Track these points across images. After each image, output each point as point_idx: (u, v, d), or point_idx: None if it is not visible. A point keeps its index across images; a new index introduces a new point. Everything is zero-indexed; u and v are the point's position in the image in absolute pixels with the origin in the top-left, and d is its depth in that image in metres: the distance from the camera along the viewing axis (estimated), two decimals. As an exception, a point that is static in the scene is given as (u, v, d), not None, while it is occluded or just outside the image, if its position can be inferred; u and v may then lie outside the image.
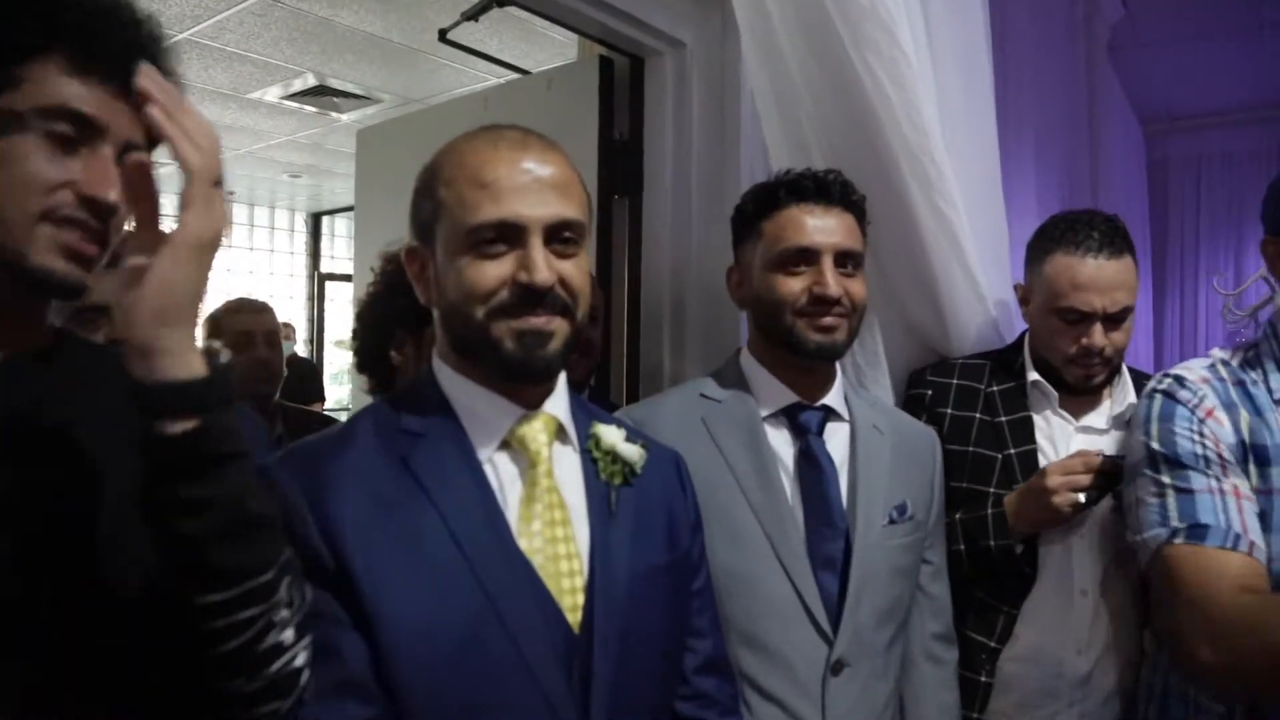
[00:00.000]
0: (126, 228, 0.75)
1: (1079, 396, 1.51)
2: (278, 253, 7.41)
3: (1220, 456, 1.15)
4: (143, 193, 0.71)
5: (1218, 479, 1.14)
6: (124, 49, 0.72)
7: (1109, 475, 1.36)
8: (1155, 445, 1.19)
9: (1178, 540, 1.11)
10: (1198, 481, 1.14)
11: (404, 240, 1.13)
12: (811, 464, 1.24)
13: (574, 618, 0.87)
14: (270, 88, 4.05)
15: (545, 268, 0.85)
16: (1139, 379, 1.54)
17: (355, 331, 1.55)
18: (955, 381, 1.57)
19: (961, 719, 1.41)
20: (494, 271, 0.86)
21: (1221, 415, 1.17)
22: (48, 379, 0.77)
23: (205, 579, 0.67)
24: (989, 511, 1.44)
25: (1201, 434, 1.17)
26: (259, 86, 4.04)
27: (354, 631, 0.81)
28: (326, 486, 0.84)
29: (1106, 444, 1.48)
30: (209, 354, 0.69)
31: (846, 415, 1.29)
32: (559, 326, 0.89)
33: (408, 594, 0.82)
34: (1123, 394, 1.52)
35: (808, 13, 1.42)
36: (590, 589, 0.88)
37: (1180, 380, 1.21)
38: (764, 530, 1.20)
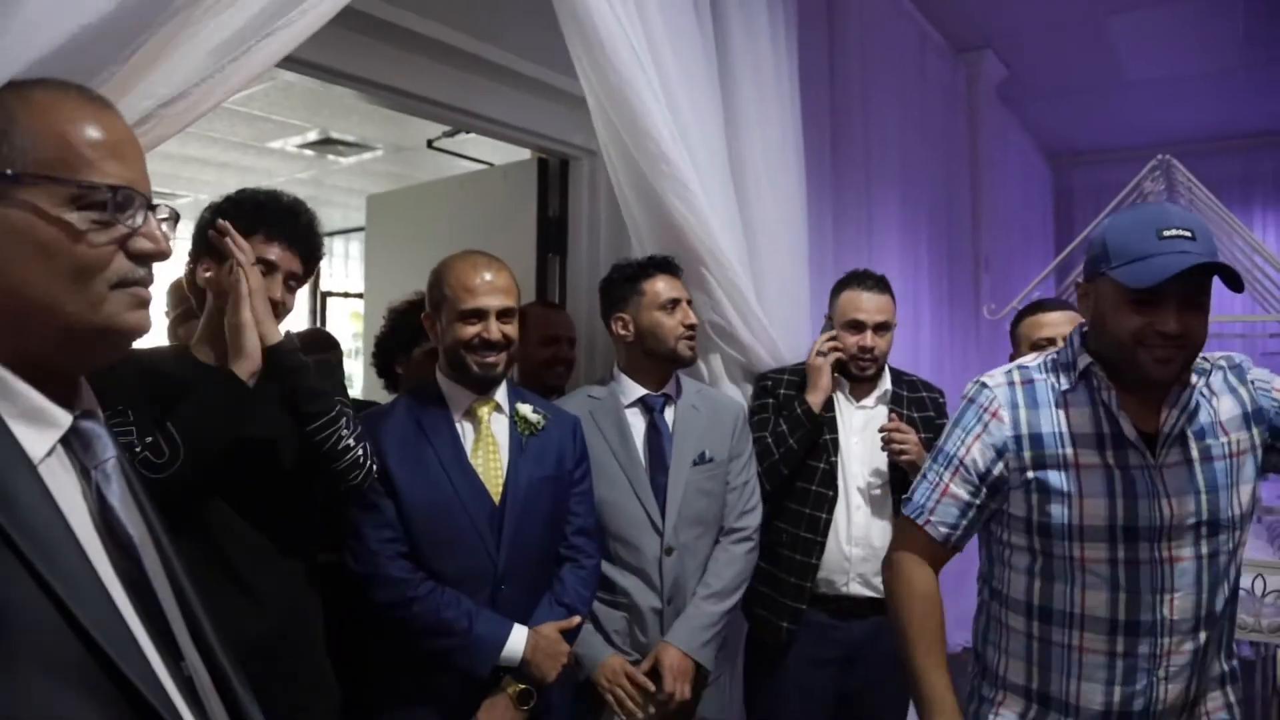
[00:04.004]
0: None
1: (859, 385, 2.36)
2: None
3: (962, 463, 1.47)
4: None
5: (943, 476, 1.49)
6: (294, 230, 1.54)
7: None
8: (940, 441, 1.54)
9: (904, 509, 1.54)
10: (932, 473, 1.52)
11: (405, 296, 2.05)
12: (654, 431, 2.07)
13: (496, 497, 1.70)
14: (287, 139, 4.90)
15: (496, 331, 1.68)
16: (897, 374, 2.41)
17: (374, 354, 2.40)
18: (785, 377, 2.40)
19: (795, 585, 2.22)
20: (471, 330, 1.68)
21: (1005, 415, 1.46)
22: None
23: (305, 419, 1.42)
24: (798, 410, 2.24)
25: (977, 432, 1.47)
26: (276, 138, 4.88)
27: (389, 500, 1.65)
28: (380, 431, 1.67)
29: (874, 414, 2.33)
30: (287, 335, 1.44)
31: (676, 399, 2.14)
32: (501, 359, 1.71)
33: (415, 483, 1.66)
34: (884, 383, 2.37)
35: (627, 155, 2.06)
36: (506, 485, 1.72)
37: (981, 386, 1.51)
38: (625, 475, 2.01)
